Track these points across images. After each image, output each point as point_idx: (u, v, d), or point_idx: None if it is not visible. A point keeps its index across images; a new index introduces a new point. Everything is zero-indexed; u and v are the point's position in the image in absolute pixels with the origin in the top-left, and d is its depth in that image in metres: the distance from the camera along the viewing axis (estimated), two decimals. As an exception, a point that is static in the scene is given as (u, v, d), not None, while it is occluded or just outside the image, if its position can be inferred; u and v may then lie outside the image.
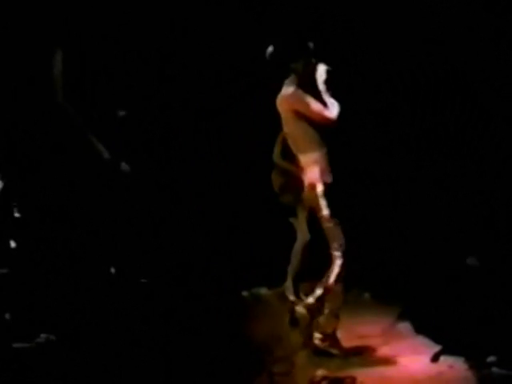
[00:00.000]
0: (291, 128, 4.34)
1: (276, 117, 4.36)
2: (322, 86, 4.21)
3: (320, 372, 3.73)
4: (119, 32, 6.33)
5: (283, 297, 6.08)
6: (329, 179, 4.28)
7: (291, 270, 6.16)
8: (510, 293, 4.54)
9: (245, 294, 6.14)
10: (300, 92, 4.22)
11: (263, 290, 6.23)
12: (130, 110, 6.27)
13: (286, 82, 4.31)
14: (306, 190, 4.39)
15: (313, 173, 4.28)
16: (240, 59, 6.58)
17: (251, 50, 6.59)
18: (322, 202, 4.24)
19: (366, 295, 5.76)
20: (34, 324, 4.38)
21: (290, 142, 4.45)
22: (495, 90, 5.48)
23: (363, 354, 3.91)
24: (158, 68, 6.57)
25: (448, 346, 3.98)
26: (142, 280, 5.70)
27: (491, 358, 3.90)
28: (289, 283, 6.15)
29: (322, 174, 4.26)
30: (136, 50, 6.43)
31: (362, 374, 3.73)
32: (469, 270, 4.77)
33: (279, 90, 4.38)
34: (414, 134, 5.88)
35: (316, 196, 4.26)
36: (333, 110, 4.16)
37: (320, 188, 4.25)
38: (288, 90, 4.27)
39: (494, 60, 5.49)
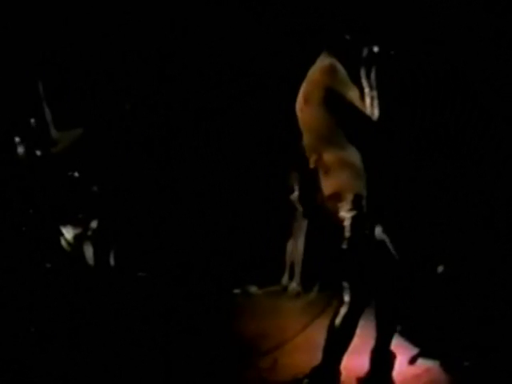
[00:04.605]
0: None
1: (275, 117, 4.36)
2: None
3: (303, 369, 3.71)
4: (119, 32, 6.33)
5: (272, 295, 6.33)
6: (360, 189, 3.24)
7: (297, 268, 6.51)
8: (490, 297, 4.58)
9: (236, 291, 6.22)
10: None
11: (253, 288, 6.36)
12: (130, 110, 6.28)
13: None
14: (325, 199, 3.37)
15: (339, 178, 3.29)
16: (240, 59, 6.59)
17: (251, 50, 6.61)
18: (347, 221, 3.21)
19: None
20: (33, 323, 4.40)
21: (312, 135, 3.44)
22: (495, 89, 5.48)
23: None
24: (158, 68, 6.58)
25: (425, 348, 4.00)
26: (138, 274, 5.76)
27: (467, 362, 3.94)
28: (297, 280, 6.48)
29: (352, 180, 3.28)
30: (136, 50, 6.44)
31: (342, 372, 3.67)
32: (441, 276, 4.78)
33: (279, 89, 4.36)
34: (414, 133, 5.88)
35: (339, 210, 3.25)
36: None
37: (348, 200, 3.23)
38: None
39: (494, 60, 5.49)
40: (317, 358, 3.69)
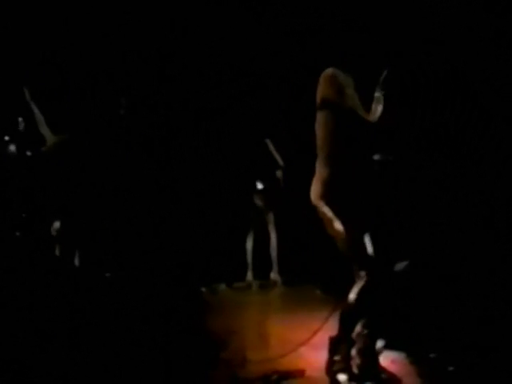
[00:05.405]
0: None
1: (275, 117, 4.36)
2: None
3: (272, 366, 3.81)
4: (120, 32, 6.33)
5: (239, 291, 6.49)
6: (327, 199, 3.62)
7: (275, 261, 6.74)
8: (490, 297, 4.60)
9: (203, 289, 6.30)
10: None
11: (221, 286, 6.53)
12: (131, 110, 6.28)
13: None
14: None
15: (314, 187, 3.69)
16: (240, 59, 6.59)
17: (251, 50, 6.61)
18: (329, 223, 3.60)
19: (318, 291, 6.04)
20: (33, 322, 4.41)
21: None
22: (495, 89, 5.48)
23: (313, 348, 3.94)
24: (158, 68, 6.58)
25: (391, 341, 4.02)
26: (106, 274, 5.79)
27: (433, 354, 3.98)
28: (275, 270, 6.74)
29: (327, 191, 3.61)
30: (136, 50, 6.44)
31: (311, 367, 3.80)
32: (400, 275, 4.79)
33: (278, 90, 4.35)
34: (414, 133, 5.88)
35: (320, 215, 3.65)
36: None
37: (323, 207, 3.62)
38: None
39: (494, 60, 5.49)
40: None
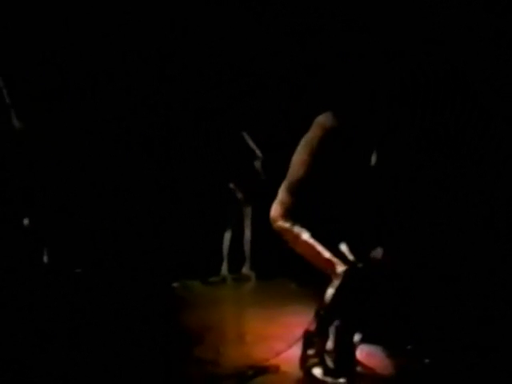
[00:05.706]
0: None
1: (274, 118, 4.35)
2: None
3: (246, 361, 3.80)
4: (119, 32, 6.34)
5: (214, 287, 6.34)
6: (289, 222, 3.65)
7: (247, 256, 6.66)
8: (490, 297, 4.61)
9: (176, 284, 6.22)
10: None
11: (195, 282, 6.40)
12: (131, 110, 6.28)
13: None
14: None
15: (276, 209, 3.73)
16: (240, 59, 6.59)
17: (251, 50, 6.61)
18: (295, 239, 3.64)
19: (293, 285, 6.01)
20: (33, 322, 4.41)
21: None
22: (495, 89, 5.48)
23: (287, 343, 3.93)
24: (158, 68, 6.58)
25: (367, 334, 4.02)
26: (76, 270, 5.77)
27: (409, 347, 4.00)
28: (247, 265, 6.63)
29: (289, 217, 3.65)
30: (136, 50, 6.44)
31: (285, 362, 3.78)
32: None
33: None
34: (414, 133, 5.89)
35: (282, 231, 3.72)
36: None
37: (280, 224, 3.68)
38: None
39: (494, 60, 5.50)
40: (260, 349, 3.86)
